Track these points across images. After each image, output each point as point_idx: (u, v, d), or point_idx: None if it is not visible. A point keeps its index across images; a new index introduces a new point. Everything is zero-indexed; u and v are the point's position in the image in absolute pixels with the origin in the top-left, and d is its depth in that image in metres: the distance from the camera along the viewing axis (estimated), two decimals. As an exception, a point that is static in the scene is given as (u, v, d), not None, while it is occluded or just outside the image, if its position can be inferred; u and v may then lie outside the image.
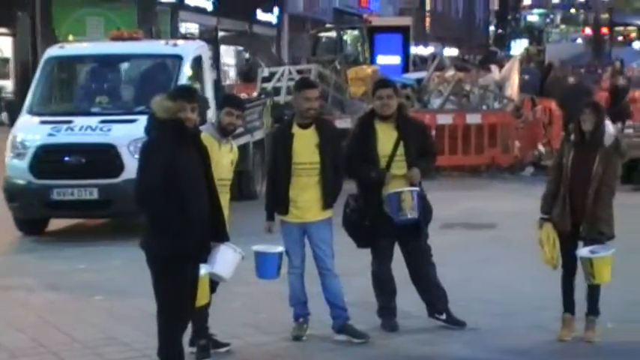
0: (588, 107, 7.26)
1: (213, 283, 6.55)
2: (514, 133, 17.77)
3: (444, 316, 7.62)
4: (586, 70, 29.62)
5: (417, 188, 7.40)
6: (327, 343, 7.25)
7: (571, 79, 20.70)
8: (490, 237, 11.59)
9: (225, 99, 7.33)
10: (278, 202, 7.30)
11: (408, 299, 7.72)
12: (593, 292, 7.24)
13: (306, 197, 7.23)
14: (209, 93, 12.80)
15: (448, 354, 7.04)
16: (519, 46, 50.42)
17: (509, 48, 52.57)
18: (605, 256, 7.01)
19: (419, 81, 20.07)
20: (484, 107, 18.62)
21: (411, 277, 7.67)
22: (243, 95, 16.75)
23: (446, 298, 7.64)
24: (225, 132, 6.93)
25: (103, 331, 7.64)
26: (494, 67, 21.94)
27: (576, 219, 7.15)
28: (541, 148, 18.01)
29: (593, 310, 7.28)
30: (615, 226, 7.24)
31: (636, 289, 8.52)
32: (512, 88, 19.26)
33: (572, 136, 7.24)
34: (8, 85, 31.26)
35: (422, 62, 31.81)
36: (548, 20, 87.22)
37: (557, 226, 7.19)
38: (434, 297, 7.64)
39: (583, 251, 7.07)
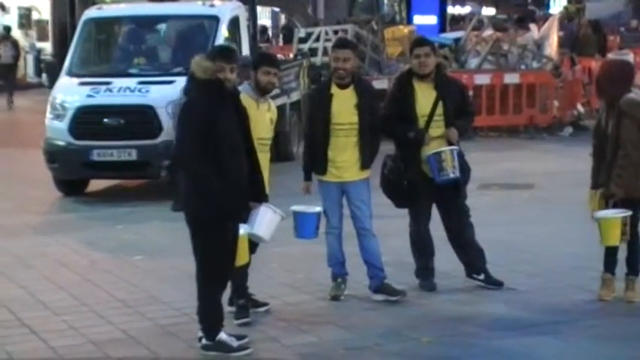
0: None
1: (253, 243, 6.59)
2: (553, 93, 17.60)
3: (481, 276, 7.61)
4: (625, 29, 29.15)
5: (456, 147, 7.37)
6: (365, 303, 7.28)
7: None
8: (528, 197, 11.53)
9: (261, 58, 7.30)
10: (317, 162, 7.30)
11: (446, 259, 7.72)
12: (635, 251, 7.20)
13: (344, 157, 7.23)
14: (246, 53, 12.78)
15: (486, 313, 7.05)
16: (558, 5, 49.75)
17: (548, 6, 51.83)
18: (611, 218, 6.95)
19: (456, 41, 19.89)
20: (522, 67, 18.44)
21: (449, 237, 7.66)
22: (279, 56, 16.74)
23: (484, 258, 7.63)
24: (264, 91, 6.92)
25: (144, 291, 7.72)
26: (532, 26, 21.69)
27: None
28: (580, 107, 17.83)
29: (634, 270, 7.24)
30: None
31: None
32: (551, 47, 19.04)
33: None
34: (47, 46, 31.46)
35: (457, 22, 31.50)
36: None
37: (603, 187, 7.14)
38: (472, 257, 7.63)
39: (601, 212, 7.02)
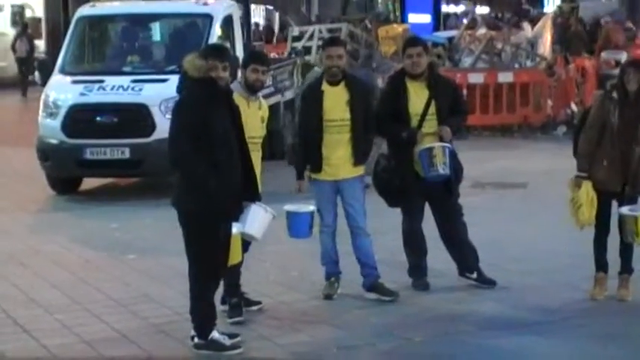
0: (631, 66, 7.14)
1: (246, 242, 6.58)
2: (546, 92, 17.60)
3: (474, 275, 7.62)
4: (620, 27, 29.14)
5: (448, 144, 7.37)
6: (358, 302, 7.28)
7: None
8: (522, 196, 11.55)
9: (249, 56, 7.33)
10: (311, 160, 7.31)
11: (439, 258, 7.73)
12: (628, 250, 7.22)
13: (338, 154, 7.23)
14: (239, 52, 12.78)
15: (478, 312, 7.06)
16: (552, 4, 49.77)
17: (542, 5, 51.86)
18: None
19: (450, 40, 19.90)
20: (516, 65, 18.44)
21: (442, 236, 7.67)
22: (273, 55, 16.73)
23: (476, 256, 7.64)
24: (252, 89, 6.92)
25: (136, 289, 7.71)
26: (526, 25, 21.72)
27: (623, 178, 7.10)
28: (574, 106, 17.84)
29: (627, 268, 7.26)
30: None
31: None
32: (545, 46, 19.06)
33: (615, 95, 7.12)
34: (40, 44, 31.41)
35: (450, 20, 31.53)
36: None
37: (605, 185, 7.09)
38: (464, 256, 7.64)
39: (625, 209, 7.03)
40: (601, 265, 7.30)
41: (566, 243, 8.44)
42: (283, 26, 24.38)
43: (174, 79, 6.59)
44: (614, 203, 7.23)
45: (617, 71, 7.82)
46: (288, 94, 14.66)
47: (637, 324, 6.76)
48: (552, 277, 7.82)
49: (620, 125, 7.05)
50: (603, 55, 18.79)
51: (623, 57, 19.16)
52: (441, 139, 7.39)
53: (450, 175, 7.36)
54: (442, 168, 7.28)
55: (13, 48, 26.83)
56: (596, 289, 7.28)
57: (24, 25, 27.64)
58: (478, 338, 6.49)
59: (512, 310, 7.09)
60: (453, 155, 7.43)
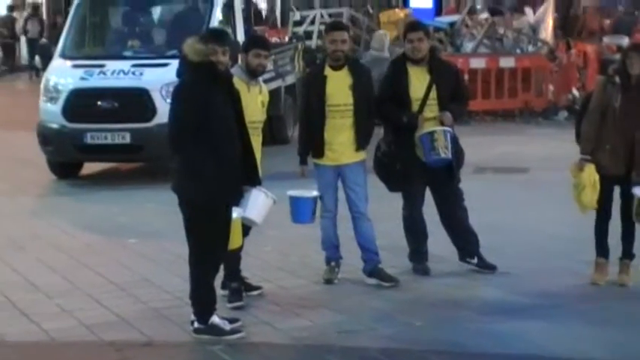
0: (634, 51, 7.11)
1: (246, 227, 6.57)
2: (548, 77, 17.59)
3: (475, 260, 7.62)
4: (624, 12, 29.07)
5: (449, 128, 7.34)
6: (358, 287, 7.28)
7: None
8: (523, 181, 11.53)
9: (251, 41, 7.31)
10: (313, 145, 7.29)
11: (440, 243, 7.72)
12: (630, 235, 7.22)
13: (340, 139, 7.22)
14: (240, 36, 12.75)
15: (479, 297, 7.06)
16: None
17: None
18: None
19: (452, 24, 19.85)
20: (518, 51, 18.41)
21: (442, 221, 7.66)
22: (274, 39, 16.69)
23: (477, 241, 7.63)
24: (254, 74, 6.89)
25: (137, 274, 7.71)
26: (528, 10, 21.64)
27: (626, 162, 7.08)
28: (575, 92, 17.82)
29: (628, 253, 7.26)
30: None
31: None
32: (547, 31, 19.02)
33: (617, 79, 7.09)
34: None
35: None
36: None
37: (608, 170, 7.07)
38: (465, 241, 7.63)
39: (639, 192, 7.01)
40: (602, 250, 7.29)
41: (567, 228, 8.45)
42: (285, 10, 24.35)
43: (175, 64, 6.57)
44: (616, 189, 7.22)
45: (618, 56, 7.78)
46: (289, 79, 14.63)
47: (637, 309, 6.75)
48: (553, 262, 7.81)
49: (623, 110, 7.03)
50: (605, 39, 18.76)
51: (625, 42, 19.13)
52: (442, 124, 7.37)
53: (451, 160, 7.34)
54: (444, 152, 7.27)
55: (24, 30, 27.06)
56: (597, 275, 7.27)
57: (35, 7, 28.02)
58: (478, 323, 6.48)
59: (513, 295, 7.09)
60: (454, 140, 7.41)
